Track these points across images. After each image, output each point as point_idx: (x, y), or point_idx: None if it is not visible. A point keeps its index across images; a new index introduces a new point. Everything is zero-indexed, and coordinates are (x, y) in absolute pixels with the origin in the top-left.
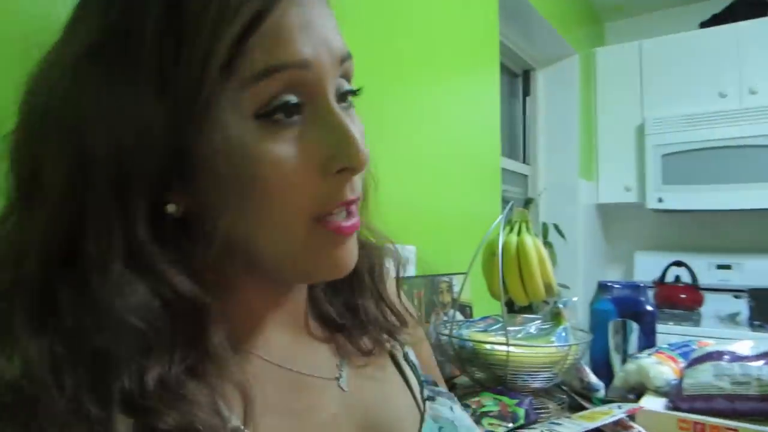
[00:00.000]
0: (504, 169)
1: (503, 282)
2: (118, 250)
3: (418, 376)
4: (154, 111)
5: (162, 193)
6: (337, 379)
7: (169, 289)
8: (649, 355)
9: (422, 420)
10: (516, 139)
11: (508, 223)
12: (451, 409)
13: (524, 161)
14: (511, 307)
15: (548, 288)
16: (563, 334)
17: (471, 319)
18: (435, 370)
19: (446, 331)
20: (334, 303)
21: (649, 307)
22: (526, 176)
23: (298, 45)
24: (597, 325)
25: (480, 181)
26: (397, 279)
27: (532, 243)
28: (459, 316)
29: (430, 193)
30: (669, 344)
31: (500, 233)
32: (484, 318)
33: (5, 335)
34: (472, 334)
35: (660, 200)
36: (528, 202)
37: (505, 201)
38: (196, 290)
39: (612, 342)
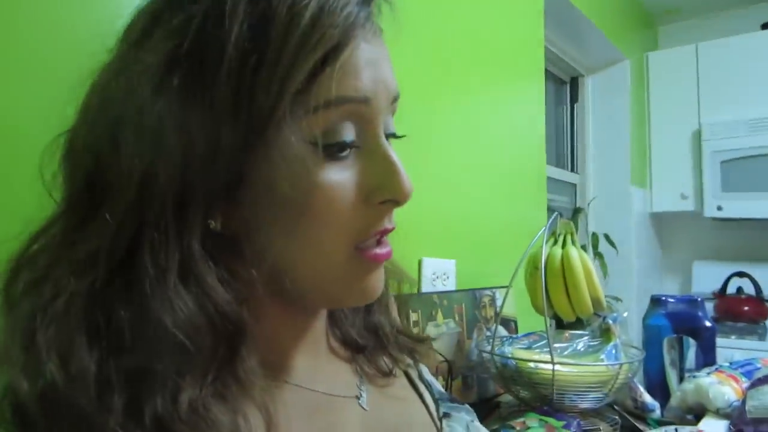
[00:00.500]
0: (551, 179)
1: (548, 297)
2: (174, 265)
3: (432, 394)
4: (225, 129)
5: (213, 209)
6: (358, 398)
7: (214, 307)
8: (709, 373)
9: None
10: (564, 148)
11: (552, 234)
12: (467, 426)
13: (573, 170)
14: (560, 323)
15: (596, 302)
16: (613, 351)
17: (514, 335)
18: None
19: (488, 348)
20: (354, 323)
21: (707, 323)
22: (574, 185)
23: (363, 81)
24: (651, 341)
25: (524, 190)
26: (399, 297)
27: (578, 255)
28: (502, 332)
29: (471, 205)
30: (730, 362)
31: (543, 245)
32: (528, 334)
33: (55, 345)
34: (515, 351)
35: (719, 208)
36: (577, 212)
37: (552, 211)
38: (239, 311)
39: (667, 359)
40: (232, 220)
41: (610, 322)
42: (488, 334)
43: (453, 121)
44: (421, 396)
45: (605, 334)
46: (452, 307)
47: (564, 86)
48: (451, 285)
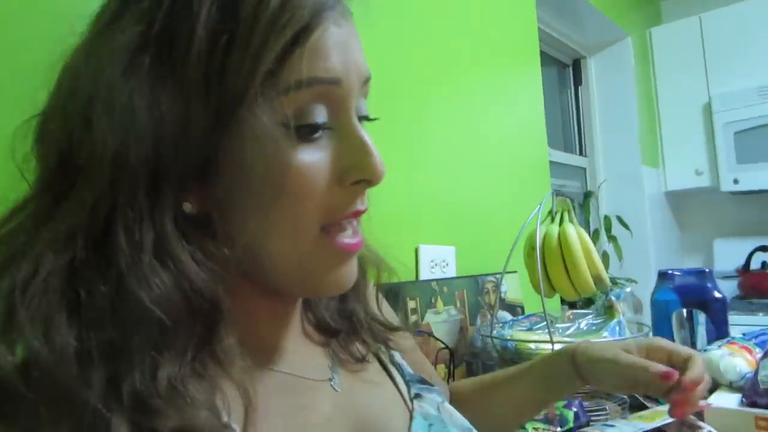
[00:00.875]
0: (559, 164)
1: (547, 277)
2: (148, 242)
3: (403, 376)
4: (196, 109)
5: (185, 190)
6: (330, 380)
7: (189, 284)
8: (720, 346)
9: (411, 418)
10: (571, 132)
11: (549, 213)
12: (438, 407)
13: (581, 153)
14: (572, 304)
15: (597, 280)
16: (617, 328)
17: (515, 318)
18: (431, 373)
19: (484, 333)
20: (329, 308)
21: (717, 294)
22: (584, 169)
23: (333, 62)
24: (659, 317)
25: (526, 174)
26: (377, 285)
27: (575, 233)
28: (508, 317)
29: (471, 191)
30: (743, 334)
31: (537, 224)
32: (528, 316)
33: (36, 320)
34: (514, 333)
35: (736, 182)
36: (587, 196)
37: (563, 196)
38: (214, 289)
39: (677, 335)
40: (206, 200)
41: (613, 298)
42: (495, 320)
43: (450, 105)
44: (393, 379)
45: (608, 311)
46: (453, 294)
47: (566, 69)
48: (451, 272)
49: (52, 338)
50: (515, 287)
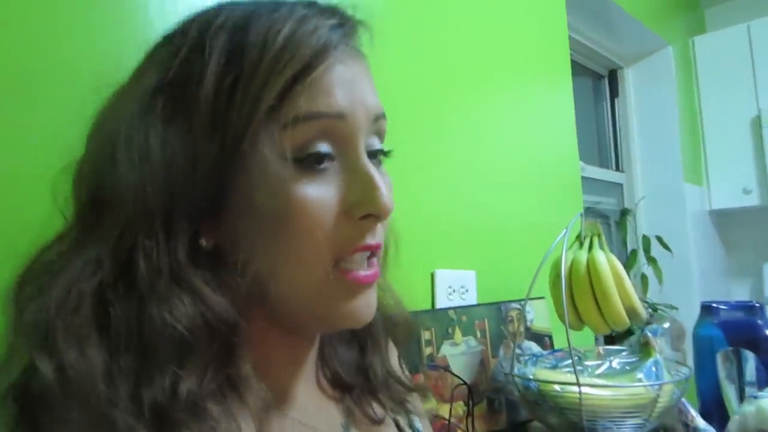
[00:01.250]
0: (595, 180)
1: (575, 308)
2: (165, 270)
3: None
4: (203, 146)
5: (200, 223)
6: None
7: (205, 305)
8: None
9: None
10: (606, 146)
11: (577, 238)
12: None
13: (618, 169)
14: (609, 337)
15: (631, 312)
16: (653, 369)
17: (540, 353)
18: None
19: (507, 369)
20: (345, 361)
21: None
22: (620, 185)
23: (337, 98)
24: (702, 355)
25: (555, 192)
26: (399, 347)
27: (606, 260)
28: (535, 348)
29: (494, 210)
30: None
31: (563, 250)
32: (554, 351)
33: (70, 337)
34: (537, 372)
35: None
36: (624, 214)
37: (596, 214)
38: (231, 311)
39: (723, 376)
40: (218, 232)
41: (650, 334)
42: (518, 351)
43: (471, 119)
44: None
45: (644, 348)
46: (473, 323)
47: (602, 81)
48: (471, 299)
49: (85, 355)
50: (543, 315)
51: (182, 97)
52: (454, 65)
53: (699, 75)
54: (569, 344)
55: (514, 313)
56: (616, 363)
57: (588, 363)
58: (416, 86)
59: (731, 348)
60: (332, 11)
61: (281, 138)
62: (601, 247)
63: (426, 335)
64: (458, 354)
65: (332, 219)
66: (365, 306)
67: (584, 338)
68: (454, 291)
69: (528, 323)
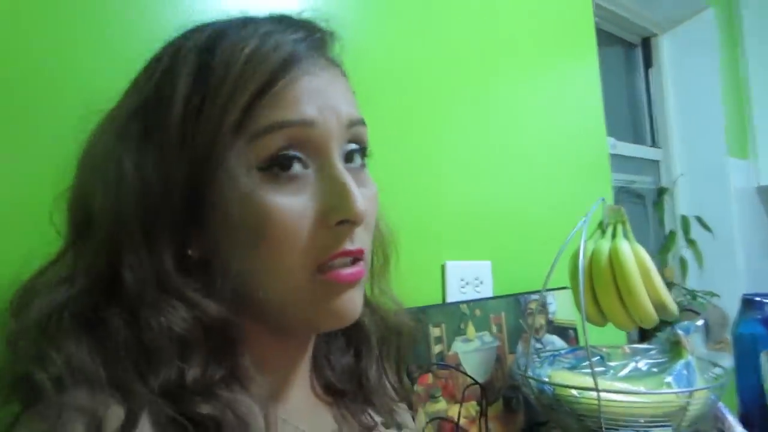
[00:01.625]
0: (628, 157)
1: (598, 303)
2: (151, 280)
3: None
4: (176, 163)
5: (184, 234)
6: None
7: (199, 311)
8: None
9: None
10: (641, 120)
11: (599, 226)
12: None
13: (653, 144)
14: (643, 332)
15: (660, 308)
16: (684, 372)
17: (558, 351)
18: None
19: (521, 369)
20: (339, 367)
21: None
22: (657, 162)
23: (303, 106)
24: (743, 355)
25: (579, 174)
26: (400, 355)
27: (630, 250)
28: (558, 342)
29: (511, 194)
30: None
31: (582, 240)
32: (574, 349)
33: (56, 339)
34: (554, 373)
35: None
36: (661, 193)
37: (632, 193)
38: (224, 312)
39: (766, 379)
40: (204, 242)
41: (681, 333)
42: (538, 346)
43: (484, 97)
44: None
45: (674, 348)
46: (488, 317)
47: (635, 49)
48: (486, 291)
49: (79, 355)
50: (567, 306)
51: (155, 120)
52: (467, 40)
53: (745, 38)
54: (586, 343)
55: (534, 305)
56: (642, 364)
57: (611, 363)
58: (422, 60)
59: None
60: (299, 24)
61: (249, 150)
62: (626, 236)
63: (435, 332)
64: (471, 351)
65: (308, 226)
66: (349, 304)
67: (614, 334)
68: (467, 283)
69: (550, 315)
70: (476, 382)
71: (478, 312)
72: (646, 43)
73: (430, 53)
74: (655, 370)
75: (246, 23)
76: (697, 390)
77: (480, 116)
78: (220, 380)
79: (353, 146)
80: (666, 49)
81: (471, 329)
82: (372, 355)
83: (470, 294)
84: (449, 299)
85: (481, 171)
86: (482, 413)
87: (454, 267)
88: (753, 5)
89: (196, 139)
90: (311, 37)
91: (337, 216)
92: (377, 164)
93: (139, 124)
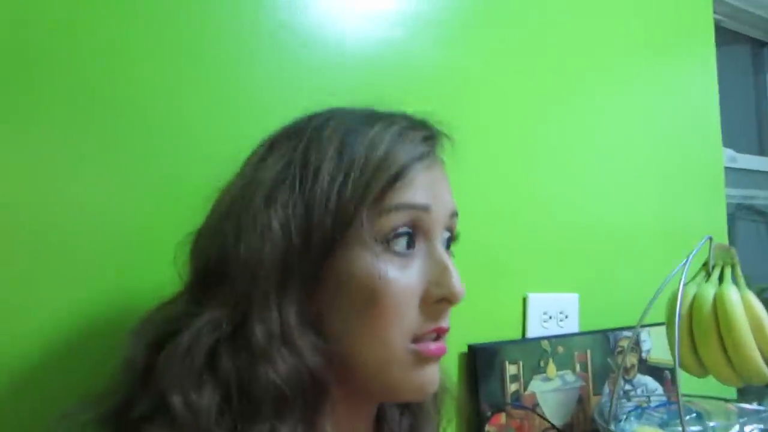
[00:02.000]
0: (752, 171)
1: (696, 354)
2: (277, 333)
3: None
4: (317, 226)
5: (307, 291)
6: None
7: (304, 365)
8: None
9: None
10: (766, 129)
11: (704, 266)
12: None
13: None
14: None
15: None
16: None
17: (645, 406)
18: None
19: (602, 419)
20: (398, 429)
21: None
22: None
23: (423, 195)
24: None
25: (684, 195)
26: (440, 417)
27: (739, 298)
28: (651, 384)
29: (602, 221)
30: None
31: (681, 283)
32: (666, 403)
33: (184, 382)
34: (640, 429)
35: None
36: None
37: (752, 210)
38: (324, 373)
39: None
40: (320, 300)
41: None
42: (628, 388)
43: (574, 109)
44: None
45: None
46: (572, 355)
47: (763, 50)
48: (571, 326)
49: (202, 397)
50: (663, 343)
51: (301, 185)
52: (563, 46)
53: None
54: (679, 397)
55: (624, 343)
56: (751, 429)
57: (711, 423)
58: (512, 73)
59: None
60: (422, 125)
61: (377, 223)
62: (735, 282)
63: (512, 369)
64: (550, 391)
65: (413, 300)
66: (431, 377)
67: (721, 385)
68: (550, 318)
69: (644, 354)
70: (553, 426)
71: (560, 349)
72: None
73: (518, 63)
74: None
75: (378, 117)
76: None
77: (570, 133)
78: None
79: (448, 235)
80: None
81: (552, 367)
82: (427, 420)
83: (553, 329)
84: (530, 334)
85: (571, 194)
86: None
87: (537, 299)
88: None
89: (339, 210)
90: (432, 137)
91: (439, 294)
92: (460, 187)
93: (286, 186)
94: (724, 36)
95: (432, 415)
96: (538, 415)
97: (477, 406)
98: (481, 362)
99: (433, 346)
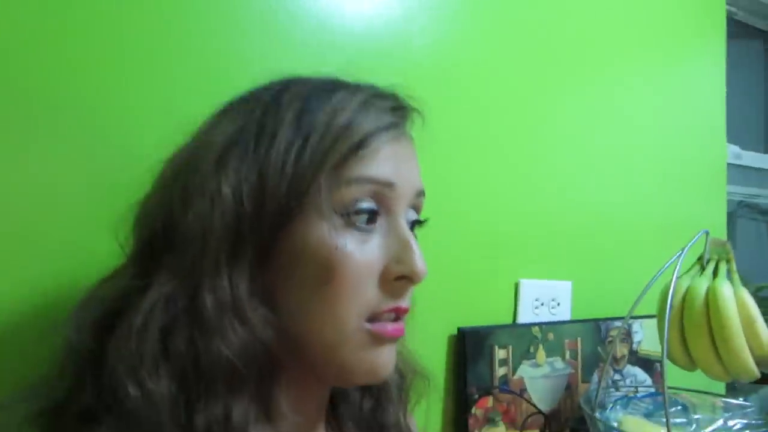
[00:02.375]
0: (753, 168)
1: (687, 347)
2: (229, 305)
3: None
4: (272, 193)
5: (258, 263)
6: None
7: (255, 338)
8: None
9: None
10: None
11: (699, 260)
12: None
13: None
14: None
15: (763, 363)
16: None
17: (632, 395)
18: None
19: (588, 406)
20: (356, 417)
21: None
22: None
23: (387, 169)
24: None
25: (683, 189)
26: (413, 401)
27: (731, 293)
28: (640, 375)
29: (600, 210)
30: None
31: (675, 273)
32: (653, 394)
33: (139, 369)
34: (624, 418)
35: None
36: None
37: (754, 209)
38: (274, 346)
39: None
40: (271, 272)
41: None
42: (617, 377)
43: (572, 96)
44: None
45: None
46: (562, 342)
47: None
48: (563, 314)
49: (160, 383)
50: (654, 335)
51: (255, 149)
52: (566, 32)
53: None
54: (664, 388)
55: (615, 332)
56: (735, 423)
57: (696, 416)
58: (510, 57)
59: None
60: (390, 96)
61: (335, 194)
62: (730, 277)
63: (501, 354)
64: (539, 377)
65: (369, 275)
66: (386, 359)
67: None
68: (542, 304)
69: (634, 345)
70: (540, 411)
71: (551, 335)
72: None
73: (518, 43)
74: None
75: (341, 86)
76: None
77: (572, 115)
78: (256, 419)
79: (415, 216)
80: None
81: (541, 353)
82: (390, 403)
83: (544, 316)
84: (521, 320)
85: (569, 181)
86: None
87: (529, 285)
88: None
89: (295, 176)
90: (400, 110)
91: (399, 270)
92: (452, 171)
93: (239, 153)
94: (736, 28)
95: (397, 397)
96: (525, 400)
97: (464, 389)
98: (470, 345)
99: (389, 327)
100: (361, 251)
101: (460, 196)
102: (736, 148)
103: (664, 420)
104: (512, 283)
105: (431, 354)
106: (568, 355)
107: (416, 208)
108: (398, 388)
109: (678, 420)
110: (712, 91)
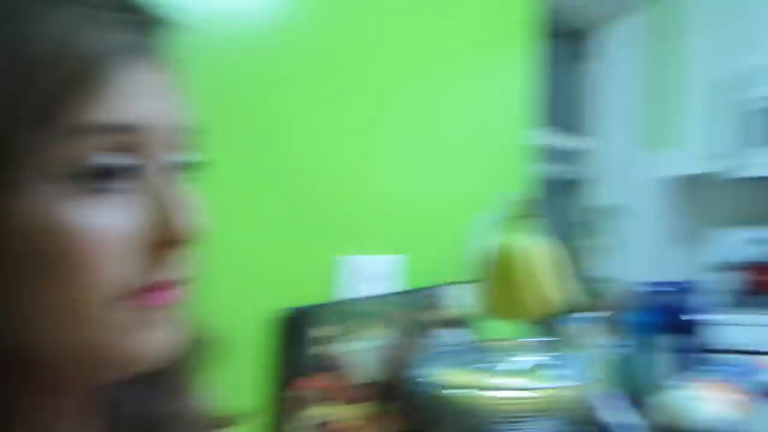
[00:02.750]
0: (556, 148)
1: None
2: None
3: None
4: None
5: None
6: None
7: None
8: (689, 383)
9: None
10: (576, 113)
11: (503, 220)
12: None
13: (584, 136)
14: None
15: (546, 303)
16: (569, 364)
17: (447, 346)
18: None
19: (410, 371)
20: (127, 415)
21: (692, 317)
22: (585, 153)
23: (127, 107)
24: (630, 340)
25: (496, 165)
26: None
27: (523, 244)
28: (459, 336)
29: (423, 186)
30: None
31: (477, 233)
32: (470, 349)
33: None
34: (439, 372)
35: (756, 167)
36: (583, 182)
37: (563, 184)
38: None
39: (643, 365)
40: None
41: (572, 326)
42: (433, 342)
43: (403, 94)
44: None
45: (564, 342)
46: (386, 315)
47: (575, 41)
48: (384, 288)
49: None
50: (464, 300)
51: None
52: (385, 25)
53: (683, 32)
54: (472, 337)
55: (435, 300)
56: (530, 358)
57: (511, 358)
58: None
59: (656, 333)
60: (127, 4)
61: (52, 154)
62: (526, 230)
63: (323, 331)
64: (362, 350)
65: (127, 249)
66: (156, 338)
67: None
68: (366, 279)
69: (447, 310)
70: (364, 385)
71: (374, 309)
72: (579, 35)
73: (335, 33)
74: (542, 364)
75: None
76: (571, 384)
77: (398, 104)
78: None
79: (181, 158)
80: (605, 40)
81: (363, 328)
82: (169, 392)
83: (366, 291)
84: (342, 296)
85: (388, 162)
86: (372, 415)
87: (349, 262)
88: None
89: None
90: (144, 25)
91: (160, 235)
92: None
93: None
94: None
95: (178, 384)
96: (347, 373)
97: (285, 370)
98: (290, 325)
99: (153, 297)
100: (100, 221)
101: (279, 172)
102: (549, 132)
103: (480, 366)
104: (331, 260)
105: (250, 336)
106: (389, 327)
107: (182, 149)
108: (178, 372)
109: (485, 365)
110: (515, 84)
